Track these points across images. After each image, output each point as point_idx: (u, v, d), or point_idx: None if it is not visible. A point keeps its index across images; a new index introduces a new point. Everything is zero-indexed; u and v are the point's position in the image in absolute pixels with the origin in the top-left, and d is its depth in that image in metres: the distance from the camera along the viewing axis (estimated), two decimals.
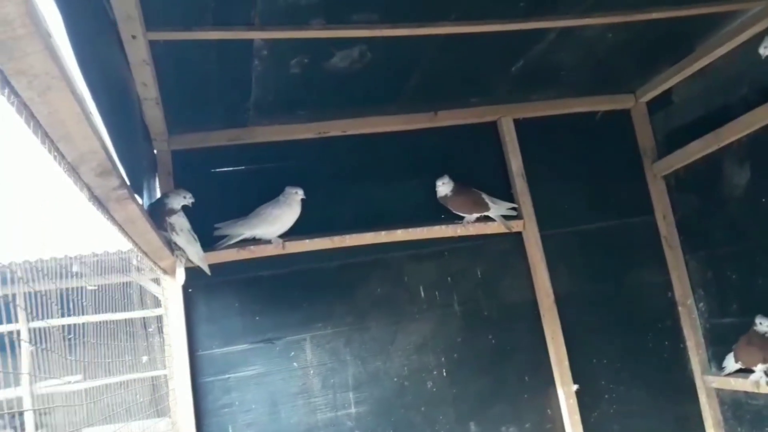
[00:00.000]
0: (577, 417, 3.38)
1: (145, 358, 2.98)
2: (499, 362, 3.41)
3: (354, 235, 3.22)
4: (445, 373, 3.32)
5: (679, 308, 3.69)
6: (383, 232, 3.26)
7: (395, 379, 3.26)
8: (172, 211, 2.63)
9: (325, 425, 3.12)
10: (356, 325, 3.26)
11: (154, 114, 2.80)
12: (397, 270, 3.37)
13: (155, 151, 3.17)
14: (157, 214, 2.58)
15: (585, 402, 3.41)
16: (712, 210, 3.51)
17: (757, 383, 3.18)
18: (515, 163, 3.56)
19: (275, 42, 2.52)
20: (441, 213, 3.43)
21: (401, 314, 3.34)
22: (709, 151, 3.36)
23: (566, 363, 3.41)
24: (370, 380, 3.22)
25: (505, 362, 3.42)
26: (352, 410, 3.17)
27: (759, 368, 3.16)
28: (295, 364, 3.14)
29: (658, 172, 3.75)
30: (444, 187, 3.32)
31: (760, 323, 3.13)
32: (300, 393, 3.13)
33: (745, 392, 3.39)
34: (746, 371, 3.25)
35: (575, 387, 3.39)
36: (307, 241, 3.16)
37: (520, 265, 3.53)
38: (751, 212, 3.26)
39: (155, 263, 2.62)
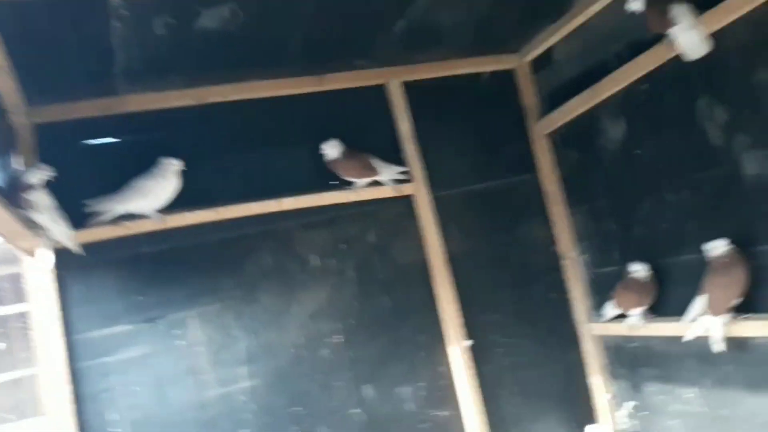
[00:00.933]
0: (471, 371, 3.48)
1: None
2: (394, 324, 3.44)
3: (240, 206, 3.11)
4: (342, 340, 3.31)
5: (564, 261, 3.85)
6: (271, 202, 3.17)
7: (291, 350, 3.21)
8: (30, 187, 2.42)
9: (217, 402, 3.04)
10: (246, 298, 3.17)
11: (5, 84, 2.55)
12: (287, 240, 3.30)
13: (13, 125, 2.89)
14: (13, 191, 2.37)
15: (478, 357, 3.52)
16: (592, 165, 3.66)
17: (633, 326, 3.39)
18: (404, 127, 3.55)
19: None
20: (331, 180, 3.38)
21: (294, 284, 3.28)
22: (588, 107, 3.47)
23: (458, 320, 3.50)
24: (264, 353, 3.16)
25: (401, 324, 3.46)
26: (246, 384, 3.10)
27: (634, 312, 3.37)
28: (181, 342, 3.02)
29: (541, 131, 3.86)
30: (332, 152, 3.26)
31: (635, 270, 3.33)
32: (188, 372, 3.02)
33: (623, 336, 3.61)
34: (624, 316, 3.45)
35: (468, 342, 3.49)
36: (189, 214, 3.02)
37: (413, 227, 3.55)
38: (627, 164, 3.42)
39: (15, 245, 2.41)
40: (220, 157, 3.25)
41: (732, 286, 2.80)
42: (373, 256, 3.48)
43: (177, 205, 3.01)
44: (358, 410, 3.30)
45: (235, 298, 3.15)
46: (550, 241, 3.87)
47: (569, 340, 3.83)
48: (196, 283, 3.09)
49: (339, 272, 3.38)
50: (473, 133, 3.78)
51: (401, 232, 3.55)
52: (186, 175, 2.99)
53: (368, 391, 3.34)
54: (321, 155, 3.31)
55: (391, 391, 3.39)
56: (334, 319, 3.32)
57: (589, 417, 3.78)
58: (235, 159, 3.28)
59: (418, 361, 3.47)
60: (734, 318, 2.81)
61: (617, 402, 3.77)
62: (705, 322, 2.89)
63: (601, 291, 3.69)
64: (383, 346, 3.40)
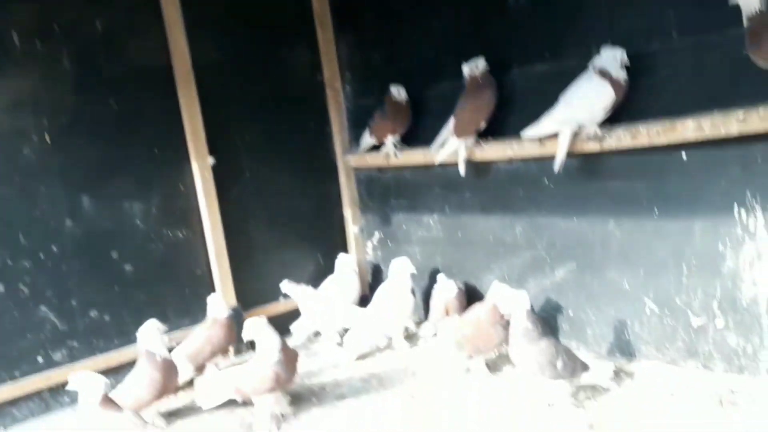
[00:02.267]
0: (213, 192, 3.16)
1: None
2: (122, 131, 2.94)
3: None
4: (48, 140, 2.72)
5: (327, 90, 3.63)
6: None
7: None
8: None
9: None
10: None
11: None
12: None
13: None
14: None
15: (222, 177, 3.20)
16: None
17: (387, 155, 3.32)
18: None
19: None
20: None
21: None
22: None
23: (202, 135, 3.11)
24: None
25: (131, 132, 2.96)
26: None
27: (389, 140, 3.29)
28: None
29: None
30: None
31: (391, 94, 3.21)
32: None
33: (378, 168, 3.56)
34: (380, 148, 3.37)
35: (211, 160, 3.14)
36: None
37: (154, 24, 2.99)
38: None
39: None
40: None
41: (479, 109, 2.81)
42: (98, 49, 2.87)
43: None
44: (69, 222, 2.80)
45: None
46: (315, 67, 3.59)
47: (325, 170, 3.69)
48: None
49: (49, 60, 2.74)
50: None
51: (140, 27, 2.98)
52: None
53: (85, 201, 2.85)
54: None
55: (115, 205, 2.94)
56: (38, 115, 2.71)
57: (342, 248, 3.74)
58: None
59: (152, 175, 3.04)
60: (478, 142, 2.86)
61: (366, 234, 3.79)
62: (451, 145, 2.90)
63: (361, 124, 3.55)
64: (106, 154, 2.90)
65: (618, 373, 2.43)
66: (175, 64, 3.04)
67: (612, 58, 2.34)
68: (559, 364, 2.28)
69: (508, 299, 2.43)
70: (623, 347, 2.62)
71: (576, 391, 2.35)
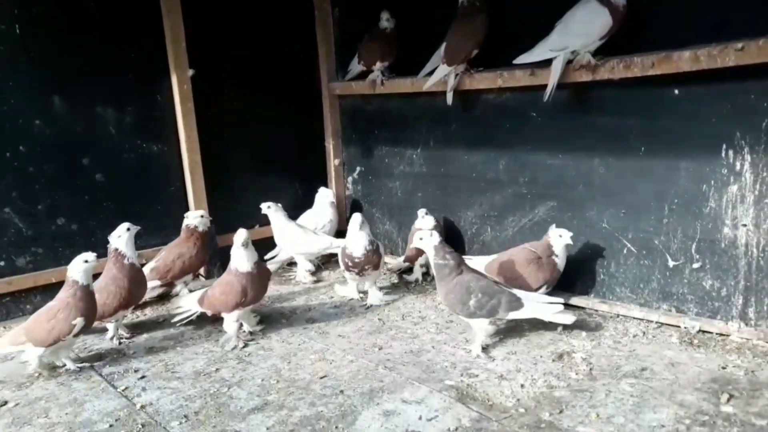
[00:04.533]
0: (191, 106, 3.04)
1: None
2: (99, 30, 2.81)
3: None
4: (18, 30, 2.57)
5: (316, 12, 3.49)
6: None
7: None
8: None
9: None
10: None
11: None
12: None
13: None
14: None
15: (203, 92, 3.08)
16: None
17: (374, 82, 3.22)
18: None
19: None
20: None
21: None
22: None
23: (183, 45, 2.97)
24: None
25: (107, 31, 2.82)
26: None
27: (377, 67, 3.19)
28: None
29: None
30: None
31: (386, 19, 3.10)
32: None
33: (363, 97, 3.45)
34: (367, 75, 3.27)
35: (191, 72, 3.01)
36: None
37: None
38: None
39: None
40: None
41: (471, 34, 2.71)
42: None
43: None
44: (39, 122, 2.68)
45: None
46: None
47: (309, 98, 3.57)
48: None
49: None
50: None
51: None
52: None
53: (56, 102, 2.72)
54: None
55: (88, 109, 2.82)
56: (7, 3, 2.54)
57: (322, 180, 3.66)
58: None
59: (127, 81, 2.91)
60: (468, 70, 2.78)
61: (347, 168, 3.71)
62: (441, 71, 2.81)
63: (348, 50, 3.44)
64: (80, 52, 2.76)
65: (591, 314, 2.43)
66: None
67: None
68: (473, 302, 2.20)
69: (418, 238, 2.34)
70: (597, 288, 2.60)
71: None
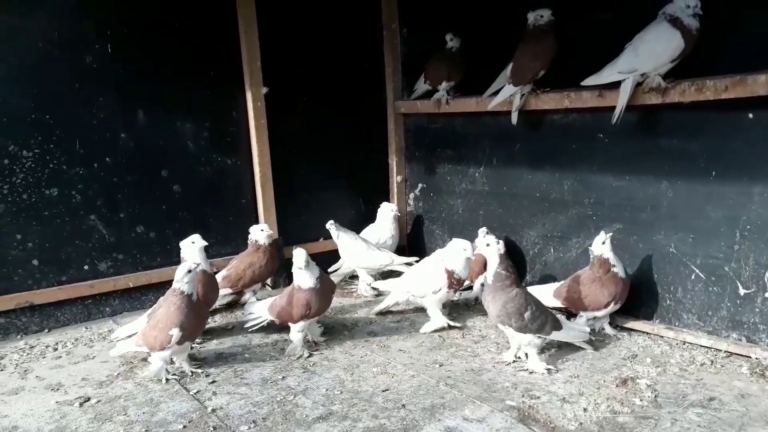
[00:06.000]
0: (264, 122, 3.17)
1: None
2: (181, 49, 2.96)
3: None
4: (110, 49, 2.76)
5: (384, 31, 3.58)
6: None
7: (41, 44, 2.61)
8: None
9: None
10: None
11: None
12: None
13: None
14: None
15: (275, 109, 3.20)
16: None
17: (439, 101, 3.27)
18: None
19: None
20: None
21: None
22: None
23: (258, 63, 3.11)
24: (5, 38, 2.54)
25: (189, 50, 2.98)
26: None
27: (443, 86, 3.24)
28: None
29: None
30: None
31: (450, 38, 3.16)
32: None
33: (428, 116, 3.52)
34: (432, 94, 3.33)
35: (265, 89, 3.14)
36: None
37: None
38: None
39: None
40: None
41: (539, 55, 2.72)
42: None
43: None
44: (124, 135, 2.86)
45: None
46: (374, 6, 3.54)
47: (374, 115, 3.66)
48: None
49: None
50: None
51: None
52: None
53: (140, 116, 2.89)
54: None
55: (168, 123, 2.98)
56: (102, 23, 2.74)
57: (384, 195, 3.74)
58: None
59: (205, 97, 3.06)
60: (535, 90, 2.79)
61: (409, 183, 3.76)
62: (507, 91, 2.83)
63: (415, 70, 3.50)
64: (163, 70, 2.92)
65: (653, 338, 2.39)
66: None
67: (684, 6, 2.23)
68: (528, 314, 2.22)
69: (485, 244, 2.36)
70: (663, 313, 2.55)
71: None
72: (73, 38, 2.68)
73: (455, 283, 2.67)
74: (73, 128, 2.73)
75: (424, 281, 2.73)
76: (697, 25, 2.22)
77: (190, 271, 2.24)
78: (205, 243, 2.59)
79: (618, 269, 2.49)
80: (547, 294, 2.61)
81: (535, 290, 2.56)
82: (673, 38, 2.25)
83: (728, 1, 2.23)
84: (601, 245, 2.50)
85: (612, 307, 2.50)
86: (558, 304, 2.61)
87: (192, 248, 2.56)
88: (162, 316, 2.21)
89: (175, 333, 2.17)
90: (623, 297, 2.51)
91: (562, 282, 2.66)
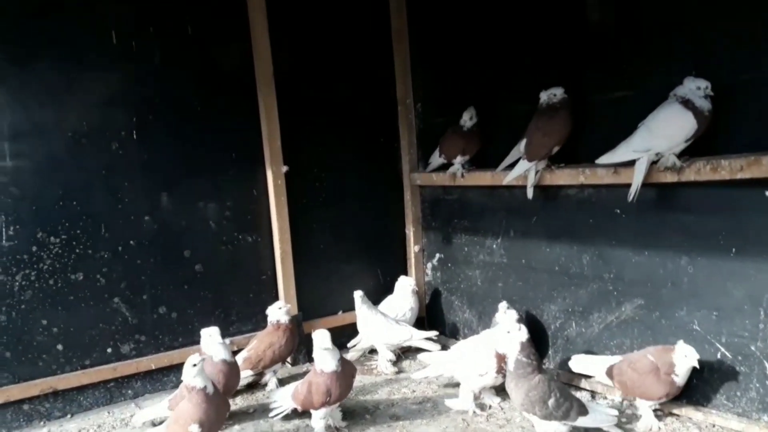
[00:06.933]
0: (284, 199, 3.23)
1: None
2: (204, 133, 3.05)
3: None
4: (135, 136, 2.86)
5: (399, 106, 3.68)
6: None
7: (70, 134, 2.71)
8: None
9: None
10: (17, 63, 2.58)
11: None
12: (83, 4, 2.71)
13: None
14: None
15: (294, 186, 3.27)
16: (442, 6, 3.45)
17: (454, 174, 3.32)
18: None
19: None
20: None
21: (84, 58, 2.73)
22: None
23: (278, 143, 3.19)
24: (35, 131, 2.64)
25: (211, 134, 3.07)
26: (8, 163, 2.58)
27: (458, 160, 3.30)
28: None
29: None
30: None
31: (469, 117, 3.23)
32: None
33: (443, 187, 3.56)
34: (448, 167, 3.38)
35: (285, 168, 3.22)
36: None
37: (241, 29, 3.11)
38: (475, 8, 3.25)
39: None
40: None
41: (553, 132, 2.77)
42: (186, 49, 2.99)
43: None
44: (148, 218, 2.92)
45: (2, 57, 2.56)
46: (389, 82, 3.64)
47: (391, 187, 3.71)
48: None
49: (142, 59, 2.88)
50: None
51: (225, 28, 3.09)
52: None
53: (164, 199, 2.96)
54: None
55: (191, 205, 3.05)
56: (128, 111, 2.85)
57: (402, 265, 3.76)
58: None
59: (227, 179, 3.14)
60: (549, 166, 2.83)
61: (427, 253, 3.78)
62: (521, 167, 2.87)
63: (430, 142, 3.58)
64: (186, 154, 3.01)
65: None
66: (257, 68, 3.14)
67: (695, 88, 2.28)
68: (552, 402, 2.19)
69: (506, 330, 2.36)
70: (690, 393, 2.50)
71: None
72: (100, 127, 2.78)
73: (505, 368, 2.53)
74: (99, 213, 2.80)
75: (471, 363, 2.66)
76: (710, 107, 2.26)
77: (195, 365, 2.18)
78: (222, 341, 2.59)
79: (678, 379, 2.36)
80: (598, 369, 2.59)
81: (584, 360, 2.53)
82: (686, 119, 2.28)
83: (741, 82, 2.27)
84: (683, 357, 2.34)
85: (662, 401, 2.44)
86: (608, 382, 2.57)
87: (209, 341, 2.58)
88: (181, 412, 2.20)
89: (195, 430, 2.14)
90: (672, 396, 2.42)
91: (618, 360, 2.58)
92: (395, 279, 3.57)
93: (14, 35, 2.59)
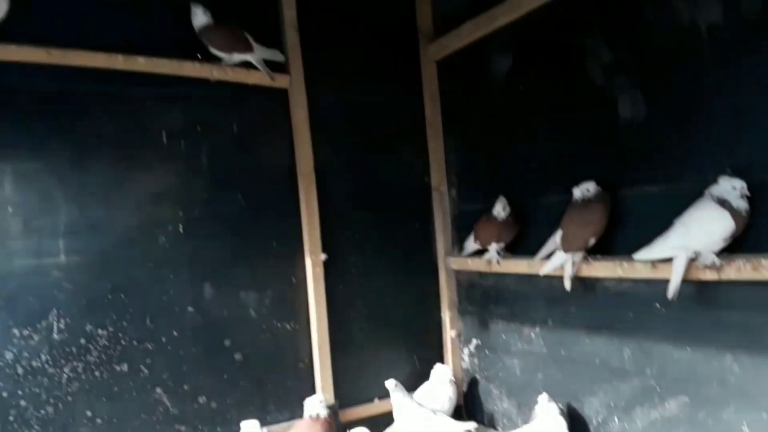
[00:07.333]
0: (322, 287, 3.30)
1: None
2: (246, 225, 3.16)
3: (81, 53, 2.66)
4: (181, 230, 2.97)
5: (433, 193, 3.76)
6: (120, 57, 2.75)
7: (120, 230, 2.84)
8: None
9: (25, 273, 2.62)
10: (75, 163, 2.74)
11: None
12: (135, 107, 2.89)
13: None
14: None
15: (332, 273, 3.34)
16: (475, 97, 3.58)
17: (489, 261, 3.35)
18: (289, 13, 3.24)
19: None
20: (198, 52, 3.00)
21: (136, 159, 2.89)
22: (480, 34, 3.35)
23: (317, 232, 3.29)
24: (88, 228, 2.76)
25: (253, 225, 3.18)
26: (62, 259, 2.70)
27: (493, 247, 3.34)
28: None
29: (432, 55, 3.71)
30: (201, 16, 2.90)
31: (496, 211, 3.28)
32: None
33: (479, 273, 3.58)
34: (483, 252, 3.42)
35: (323, 256, 3.29)
36: (15, 48, 2.53)
37: (282, 125, 3.27)
38: (507, 100, 3.36)
39: None
40: None
41: (589, 224, 2.80)
42: (232, 148, 3.14)
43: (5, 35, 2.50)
44: (191, 309, 3.00)
45: (61, 160, 2.71)
46: (423, 169, 3.76)
47: (426, 272, 3.76)
48: (14, 134, 2.61)
49: (189, 156, 3.03)
50: (363, 41, 3.57)
51: (269, 127, 3.26)
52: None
53: (207, 290, 3.05)
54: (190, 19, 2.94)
55: (233, 295, 3.13)
56: (175, 207, 2.97)
57: (438, 350, 3.75)
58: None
59: (267, 268, 3.23)
60: (586, 257, 2.84)
61: (463, 339, 3.77)
62: (558, 258, 2.89)
63: (464, 228, 3.64)
64: (229, 246, 3.11)
65: None
66: (299, 163, 3.28)
67: (731, 188, 2.29)
68: None
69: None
70: None
71: None
72: (150, 222, 2.90)
73: None
74: (145, 306, 2.88)
75: None
76: (747, 207, 2.26)
77: None
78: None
79: None
80: None
81: None
82: (724, 219, 2.28)
83: None
84: None
85: None
86: None
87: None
88: None
89: None
90: None
91: None
92: (431, 364, 3.56)
93: (77, 140, 2.76)
